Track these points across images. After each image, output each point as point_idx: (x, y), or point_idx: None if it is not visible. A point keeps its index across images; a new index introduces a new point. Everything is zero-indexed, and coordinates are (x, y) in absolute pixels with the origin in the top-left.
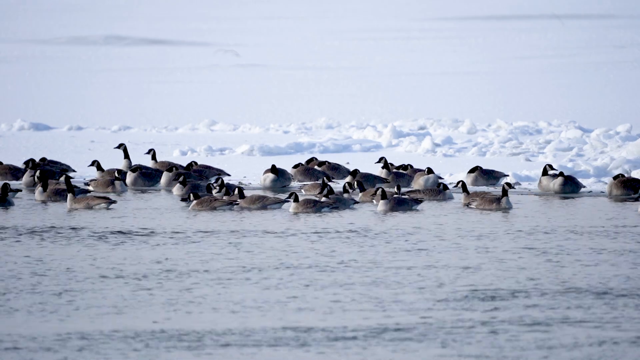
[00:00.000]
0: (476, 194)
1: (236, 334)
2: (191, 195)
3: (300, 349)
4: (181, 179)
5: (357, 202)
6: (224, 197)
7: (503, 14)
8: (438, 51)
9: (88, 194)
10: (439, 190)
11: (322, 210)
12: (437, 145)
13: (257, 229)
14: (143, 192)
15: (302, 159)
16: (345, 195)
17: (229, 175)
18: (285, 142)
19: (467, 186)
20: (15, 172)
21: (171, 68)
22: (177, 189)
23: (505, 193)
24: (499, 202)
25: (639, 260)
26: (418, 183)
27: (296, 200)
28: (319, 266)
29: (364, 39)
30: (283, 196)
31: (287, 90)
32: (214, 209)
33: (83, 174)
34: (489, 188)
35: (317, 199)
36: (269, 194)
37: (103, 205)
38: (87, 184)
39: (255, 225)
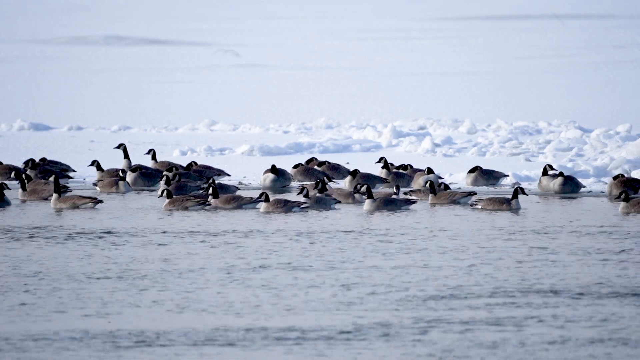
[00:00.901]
0: (443, 194)
1: (202, 332)
2: (164, 193)
3: (255, 348)
4: (164, 179)
5: (339, 202)
6: (198, 197)
7: (503, 14)
8: (438, 51)
9: (73, 194)
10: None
11: (293, 210)
12: (437, 145)
13: (226, 228)
14: (138, 192)
15: (302, 159)
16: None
17: (228, 175)
18: (285, 142)
19: (467, 186)
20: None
21: (171, 68)
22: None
23: (516, 195)
24: (509, 203)
25: (629, 259)
26: (418, 183)
27: (267, 200)
28: (282, 266)
29: (364, 39)
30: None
31: (287, 90)
32: (186, 208)
33: (83, 174)
34: (489, 188)
35: (287, 199)
36: (245, 194)
37: (89, 204)
38: (95, 184)
39: (224, 224)
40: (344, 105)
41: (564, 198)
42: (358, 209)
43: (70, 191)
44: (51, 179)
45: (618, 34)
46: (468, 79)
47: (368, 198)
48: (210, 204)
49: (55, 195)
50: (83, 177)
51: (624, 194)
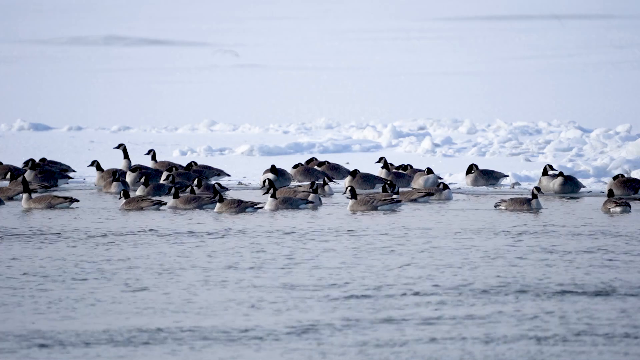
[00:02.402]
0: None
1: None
2: (122, 194)
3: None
4: (143, 179)
5: (311, 203)
6: (154, 197)
7: (503, 14)
8: (438, 51)
9: (51, 193)
10: (438, 190)
11: (246, 210)
12: (437, 145)
13: (181, 229)
14: (132, 192)
15: (302, 159)
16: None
17: (228, 175)
18: (285, 142)
19: (467, 186)
20: (15, 172)
21: (171, 68)
22: (140, 190)
23: (535, 195)
24: (530, 203)
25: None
26: (418, 183)
27: (221, 200)
28: (233, 266)
29: (364, 39)
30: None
31: (287, 90)
32: (141, 209)
33: (83, 174)
34: (489, 188)
35: (241, 199)
36: (206, 195)
37: (65, 204)
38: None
39: (179, 225)
40: (344, 105)
41: (564, 198)
42: (324, 209)
43: (35, 190)
44: (20, 178)
45: (618, 34)
46: (468, 79)
47: (352, 198)
48: (165, 204)
49: (25, 195)
50: (83, 177)
51: None
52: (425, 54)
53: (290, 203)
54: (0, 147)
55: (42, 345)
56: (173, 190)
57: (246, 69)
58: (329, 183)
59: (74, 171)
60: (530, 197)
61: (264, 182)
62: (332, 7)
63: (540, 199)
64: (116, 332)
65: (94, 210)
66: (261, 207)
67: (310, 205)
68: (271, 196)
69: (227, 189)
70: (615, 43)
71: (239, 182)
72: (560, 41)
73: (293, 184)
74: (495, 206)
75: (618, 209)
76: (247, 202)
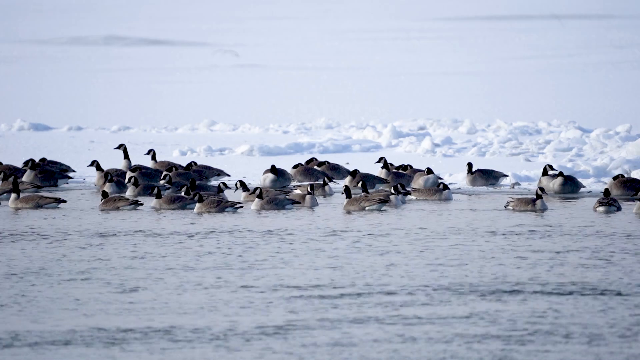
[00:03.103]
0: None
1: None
2: (102, 194)
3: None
4: (132, 180)
5: (297, 203)
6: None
7: (503, 14)
8: (438, 51)
9: (38, 193)
10: (437, 190)
11: (226, 210)
12: (437, 145)
13: (158, 229)
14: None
15: (302, 159)
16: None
17: (228, 175)
18: (285, 142)
19: (466, 186)
20: (14, 172)
21: (171, 68)
22: (130, 190)
23: (539, 196)
24: (534, 203)
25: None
26: (418, 183)
27: (200, 200)
28: (210, 266)
29: (364, 39)
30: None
31: (287, 90)
32: (117, 208)
33: (83, 174)
34: (489, 188)
35: (220, 199)
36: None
37: (53, 204)
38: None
39: (160, 225)
40: (344, 105)
41: (564, 198)
42: (319, 209)
43: (28, 189)
44: (10, 178)
45: (618, 34)
46: (468, 79)
47: (347, 197)
48: (142, 204)
49: (13, 195)
50: (83, 177)
51: None
52: (425, 54)
53: (276, 203)
54: (0, 147)
55: (7, 346)
56: (155, 190)
57: (246, 69)
58: (329, 183)
59: (74, 171)
60: (535, 197)
61: (236, 183)
62: (332, 7)
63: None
64: (86, 332)
65: (78, 211)
66: (241, 207)
67: (297, 205)
68: (257, 196)
69: (229, 188)
70: (615, 43)
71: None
72: (560, 41)
73: (293, 184)
74: (505, 206)
75: (601, 208)
76: (226, 202)
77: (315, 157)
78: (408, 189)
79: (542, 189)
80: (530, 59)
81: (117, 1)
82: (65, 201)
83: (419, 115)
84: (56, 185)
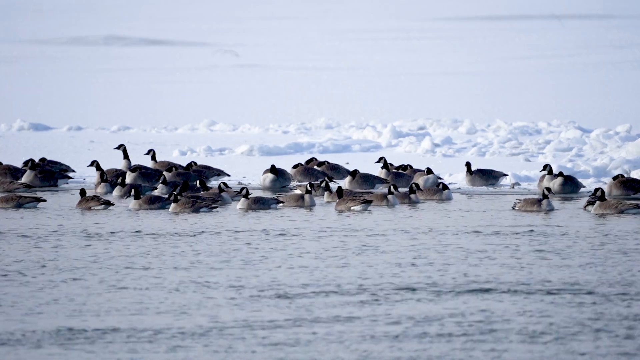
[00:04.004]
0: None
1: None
2: (80, 193)
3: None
4: (120, 180)
5: (281, 202)
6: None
7: (503, 14)
8: (438, 51)
9: (18, 192)
10: (437, 190)
11: (201, 210)
12: (437, 145)
13: (130, 228)
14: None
15: (302, 159)
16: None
17: (228, 175)
18: (285, 142)
19: (466, 186)
20: (14, 172)
21: (171, 68)
22: (117, 190)
23: (545, 196)
24: (540, 204)
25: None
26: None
27: (175, 200)
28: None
29: (364, 39)
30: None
31: (287, 90)
32: (89, 208)
33: (83, 174)
34: (489, 188)
35: (195, 199)
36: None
37: (33, 203)
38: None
39: (128, 225)
40: (344, 105)
41: (564, 198)
42: (304, 210)
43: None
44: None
45: (618, 34)
46: (468, 79)
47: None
48: (113, 204)
49: None
50: (83, 177)
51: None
52: (425, 54)
53: (262, 203)
54: (0, 147)
55: None
56: (133, 191)
57: (246, 69)
58: (330, 183)
59: (73, 171)
60: (541, 197)
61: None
62: (332, 7)
63: (510, 198)
64: (45, 332)
65: (55, 211)
66: (216, 207)
67: (280, 205)
68: (243, 196)
69: (230, 188)
70: (615, 43)
71: (239, 182)
72: (560, 41)
73: (293, 184)
74: (513, 207)
75: (590, 207)
76: (202, 202)
77: (315, 157)
78: (407, 189)
79: (548, 189)
80: (530, 59)
81: (117, 1)
82: (44, 200)
83: (419, 115)
84: (56, 185)
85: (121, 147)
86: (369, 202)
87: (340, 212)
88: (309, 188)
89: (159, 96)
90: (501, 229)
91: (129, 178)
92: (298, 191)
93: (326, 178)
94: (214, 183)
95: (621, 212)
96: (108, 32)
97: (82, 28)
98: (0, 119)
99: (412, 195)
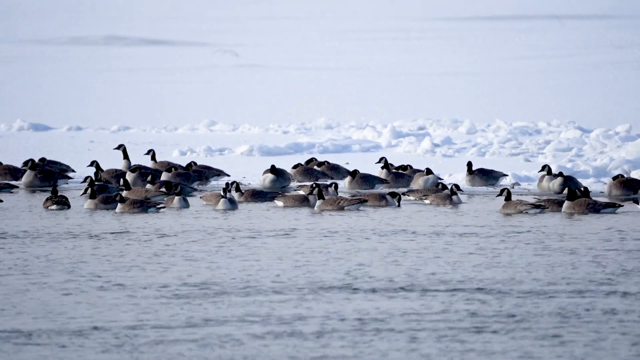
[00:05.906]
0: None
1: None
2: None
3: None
4: (104, 181)
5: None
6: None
7: (503, 14)
8: (438, 51)
9: None
10: (437, 190)
11: (149, 210)
12: (437, 145)
13: (77, 230)
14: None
15: (302, 159)
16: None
17: (228, 175)
18: (285, 142)
19: (466, 186)
20: (14, 172)
21: (171, 68)
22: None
23: (454, 192)
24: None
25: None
26: (417, 183)
27: (122, 201)
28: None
29: (364, 39)
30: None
31: (287, 90)
32: (47, 208)
33: (82, 174)
34: (489, 188)
35: (143, 199)
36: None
37: None
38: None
39: (79, 226)
40: (344, 105)
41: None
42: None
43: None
44: None
45: (618, 34)
46: (468, 79)
47: (319, 198)
48: (69, 207)
49: None
50: (83, 177)
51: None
52: (425, 54)
53: (260, 197)
54: (0, 147)
55: None
56: (89, 190)
57: (246, 69)
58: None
59: (73, 171)
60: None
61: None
62: (332, 7)
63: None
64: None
65: (14, 211)
66: (163, 208)
67: (295, 205)
68: (221, 196)
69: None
70: (615, 43)
71: (239, 182)
72: (560, 41)
73: (293, 184)
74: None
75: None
76: (149, 202)
77: (315, 157)
78: (406, 189)
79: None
80: (530, 59)
81: (117, 1)
82: (1, 201)
83: (419, 115)
84: (56, 185)
85: (121, 147)
86: (364, 202)
87: (321, 211)
88: (314, 187)
89: (159, 96)
90: (506, 229)
91: (129, 178)
92: (301, 191)
93: (331, 180)
94: (214, 183)
95: (520, 212)
96: (108, 32)
97: (82, 28)
98: (0, 119)
99: (454, 197)
